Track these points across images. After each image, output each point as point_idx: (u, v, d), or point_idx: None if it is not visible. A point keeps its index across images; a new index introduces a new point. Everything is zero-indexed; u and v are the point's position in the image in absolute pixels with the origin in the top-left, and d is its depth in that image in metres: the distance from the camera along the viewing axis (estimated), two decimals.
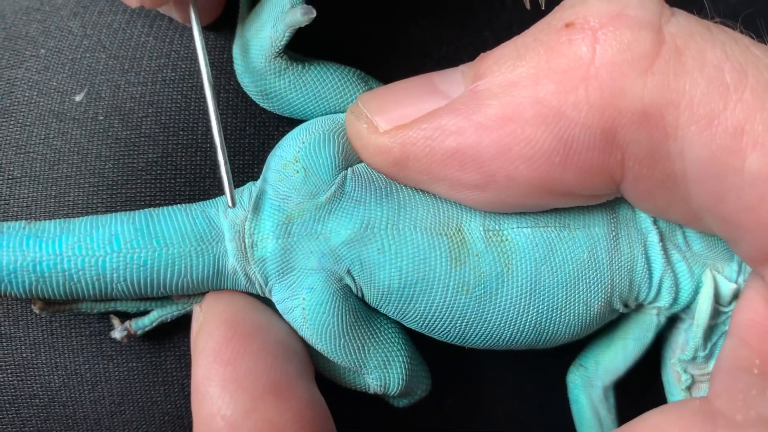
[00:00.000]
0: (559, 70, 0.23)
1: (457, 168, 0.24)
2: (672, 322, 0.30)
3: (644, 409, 0.26)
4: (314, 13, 0.26)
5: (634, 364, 0.30)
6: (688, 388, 0.29)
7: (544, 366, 0.32)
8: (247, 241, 0.26)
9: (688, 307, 0.29)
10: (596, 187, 0.24)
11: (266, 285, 0.26)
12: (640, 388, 0.32)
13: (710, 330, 0.28)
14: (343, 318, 0.26)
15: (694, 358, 0.29)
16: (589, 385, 0.30)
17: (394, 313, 0.27)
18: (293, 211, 0.26)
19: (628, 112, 0.22)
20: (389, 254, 0.26)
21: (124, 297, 0.26)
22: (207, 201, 0.27)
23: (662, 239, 0.27)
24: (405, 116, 0.25)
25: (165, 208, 0.27)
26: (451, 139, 0.24)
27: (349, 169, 0.27)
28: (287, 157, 0.27)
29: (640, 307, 0.29)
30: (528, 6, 0.26)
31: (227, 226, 0.26)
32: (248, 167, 0.29)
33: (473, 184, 0.24)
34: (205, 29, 0.30)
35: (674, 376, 0.30)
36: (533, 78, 0.23)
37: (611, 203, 0.27)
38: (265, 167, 0.27)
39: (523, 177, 0.24)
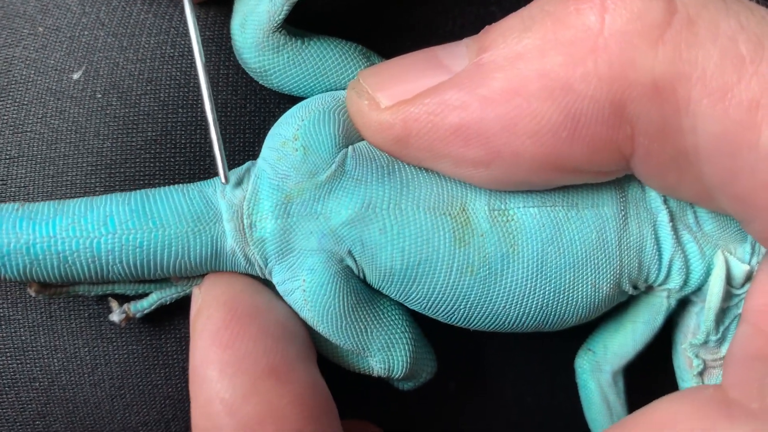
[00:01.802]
0: (567, 42, 0.22)
1: (461, 144, 0.23)
2: (683, 305, 0.29)
3: (654, 393, 0.25)
4: None
5: (643, 348, 0.29)
6: (700, 374, 0.29)
7: (553, 348, 0.31)
8: (245, 221, 0.25)
9: (699, 289, 0.28)
10: (605, 162, 0.24)
11: (266, 266, 0.26)
12: (649, 372, 0.31)
13: (722, 313, 0.28)
14: (345, 300, 0.26)
15: (705, 342, 0.28)
16: (598, 369, 0.30)
17: (396, 294, 0.26)
18: (292, 191, 0.25)
19: (638, 85, 0.21)
20: (391, 234, 0.25)
21: (120, 279, 0.26)
22: (205, 181, 0.26)
23: (672, 219, 0.27)
24: (407, 92, 0.24)
25: (162, 188, 0.26)
26: (454, 114, 0.23)
27: (350, 147, 0.26)
28: (286, 135, 0.26)
29: (649, 289, 0.28)
30: None
31: (225, 206, 0.25)
32: (249, 145, 0.29)
33: (478, 160, 0.24)
34: (204, 5, 0.29)
35: (685, 361, 0.29)
36: (540, 50, 0.22)
37: (620, 181, 0.26)
38: (264, 145, 0.27)
39: (529, 152, 0.23)
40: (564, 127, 0.22)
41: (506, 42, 0.23)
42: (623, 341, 0.29)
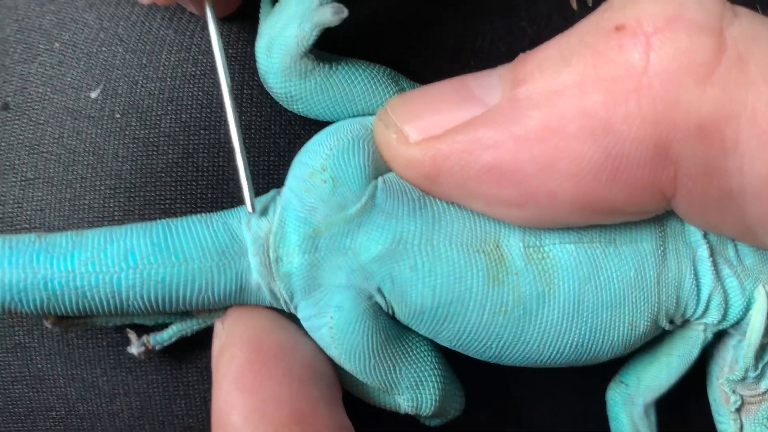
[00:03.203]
0: (608, 79, 0.21)
1: (494, 184, 0.22)
2: (719, 336, 0.28)
3: (687, 426, 0.24)
4: (346, 13, 0.24)
5: (677, 381, 0.28)
6: (738, 410, 0.28)
7: (584, 378, 0.30)
8: (271, 255, 0.24)
9: (738, 323, 0.27)
10: (645, 204, 0.23)
11: (292, 301, 0.25)
12: (682, 404, 0.30)
13: (762, 349, 0.27)
14: (373, 338, 0.25)
15: (743, 378, 0.27)
16: (630, 402, 0.29)
17: (426, 331, 0.25)
18: (321, 224, 0.24)
19: (684, 126, 0.20)
20: (422, 272, 0.24)
21: (140, 313, 0.25)
22: (228, 211, 0.25)
23: (712, 253, 0.26)
24: (437, 125, 0.23)
25: (184, 218, 0.25)
26: (487, 153, 0.22)
27: (380, 178, 0.25)
28: (314, 165, 0.25)
29: (686, 323, 0.27)
30: (575, 6, 0.23)
31: (250, 240, 0.25)
32: (274, 169, 0.28)
33: (512, 201, 0.23)
34: (228, 20, 0.28)
35: (722, 396, 0.28)
36: (579, 87, 0.21)
37: (659, 215, 0.25)
38: (289, 174, 0.25)
39: (566, 195, 0.22)
40: (604, 168, 0.21)
41: (543, 76, 0.22)
42: (657, 374, 0.28)
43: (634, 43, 0.21)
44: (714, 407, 0.29)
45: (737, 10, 0.21)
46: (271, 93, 0.26)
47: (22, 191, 0.27)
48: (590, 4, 0.24)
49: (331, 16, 0.24)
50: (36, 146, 0.27)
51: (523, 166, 0.22)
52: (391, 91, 0.26)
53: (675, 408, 0.29)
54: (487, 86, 0.23)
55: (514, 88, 0.22)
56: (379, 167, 0.25)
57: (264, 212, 0.25)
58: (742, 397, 0.28)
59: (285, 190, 0.25)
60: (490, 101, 0.23)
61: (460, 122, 0.23)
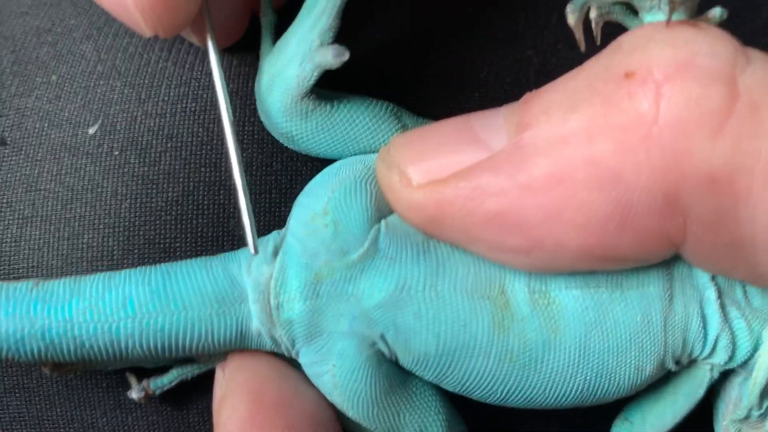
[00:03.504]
0: (617, 128, 0.20)
1: (499, 232, 0.22)
2: (726, 373, 0.28)
3: None
4: (347, 56, 0.23)
5: (682, 420, 0.28)
6: None
7: (590, 414, 0.30)
8: (272, 302, 0.24)
9: (745, 363, 0.27)
10: (653, 251, 0.22)
11: (293, 348, 0.25)
12: None
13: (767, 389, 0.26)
14: (377, 386, 0.24)
15: (747, 417, 0.27)
16: None
17: (430, 377, 0.25)
18: (322, 270, 0.24)
19: (694, 177, 0.20)
20: (427, 319, 0.24)
21: (140, 361, 0.25)
22: (228, 254, 0.25)
23: (720, 295, 0.25)
24: (440, 168, 0.23)
25: (183, 263, 0.25)
26: (492, 201, 0.22)
27: (383, 222, 0.24)
28: (316, 209, 0.24)
29: (692, 362, 0.27)
30: (582, 48, 0.23)
31: (251, 286, 0.24)
32: (275, 206, 0.27)
33: (517, 248, 0.22)
34: (229, 54, 0.27)
35: None
36: (587, 134, 0.21)
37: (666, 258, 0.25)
38: (291, 216, 0.25)
39: (573, 243, 0.22)
40: (612, 218, 0.21)
41: (549, 121, 0.21)
42: (662, 412, 0.28)
43: (644, 92, 0.20)
44: None
45: (750, 56, 0.21)
46: (271, 132, 0.26)
47: (19, 230, 0.27)
48: (598, 43, 0.23)
49: (332, 58, 0.23)
50: (33, 183, 0.27)
51: (529, 215, 0.21)
52: (393, 129, 0.26)
53: None
54: (492, 128, 0.23)
55: (520, 132, 0.22)
56: (382, 209, 0.25)
57: (265, 257, 0.24)
58: None
59: (286, 233, 0.25)
60: (494, 145, 0.22)
61: (464, 166, 0.22)
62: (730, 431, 0.28)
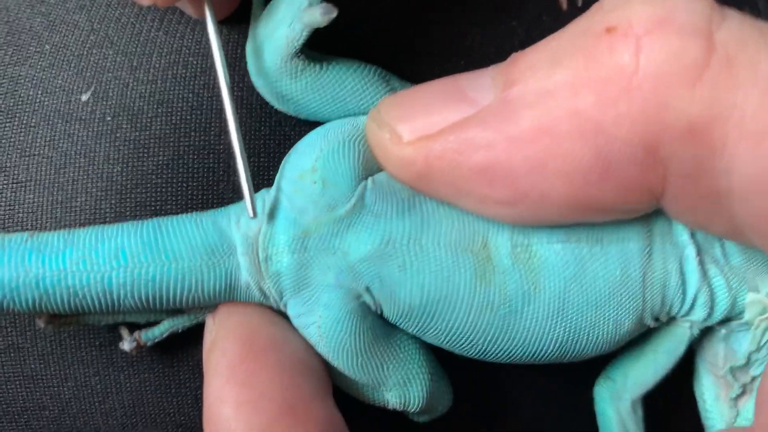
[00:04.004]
0: (599, 81, 0.21)
1: (486, 184, 0.23)
2: (705, 332, 0.28)
3: (673, 421, 0.25)
4: (335, 13, 0.24)
5: (664, 377, 0.29)
6: (736, 398, 0.28)
7: (572, 371, 0.31)
8: (260, 255, 0.25)
9: (724, 320, 0.27)
10: (634, 203, 0.23)
11: (281, 299, 0.25)
12: (668, 399, 0.30)
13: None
14: (361, 337, 0.25)
15: (746, 363, 0.28)
16: (617, 398, 0.29)
17: (413, 329, 0.26)
18: (310, 225, 0.25)
19: (673, 127, 0.21)
20: (411, 271, 0.24)
21: (132, 311, 0.25)
22: (218, 210, 0.26)
23: (699, 253, 0.26)
24: (430, 125, 0.23)
25: (174, 218, 0.25)
26: (480, 153, 0.22)
27: (369, 179, 0.25)
28: (304, 167, 0.25)
29: (672, 320, 0.27)
30: (564, 7, 0.24)
31: (240, 239, 0.25)
32: (264, 169, 0.28)
33: (503, 200, 0.23)
34: (219, 23, 0.28)
35: (719, 388, 0.28)
36: (571, 87, 0.21)
37: (647, 215, 0.25)
38: (279, 174, 0.26)
39: (557, 194, 0.22)
40: (595, 169, 0.22)
41: (535, 76, 0.22)
42: (644, 370, 0.29)
43: (625, 45, 0.21)
44: (701, 404, 0.29)
45: (725, 13, 0.21)
46: (261, 93, 0.27)
47: (13, 194, 0.27)
48: (579, 5, 0.24)
49: (320, 16, 0.24)
50: (27, 149, 0.27)
51: (516, 166, 0.22)
52: (382, 91, 0.26)
53: (661, 402, 0.30)
54: (480, 87, 0.23)
55: (507, 88, 0.22)
56: (370, 168, 0.25)
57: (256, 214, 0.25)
58: (744, 385, 0.28)
59: (275, 190, 0.25)
60: (482, 102, 0.23)
61: (452, 122, 0.23)
62: (728, 380, 0.28)
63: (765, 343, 0.27)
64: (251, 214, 0.25)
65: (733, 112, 0.20)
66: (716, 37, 0.21)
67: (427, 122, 0.23)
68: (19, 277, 0.24)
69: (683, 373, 0.30)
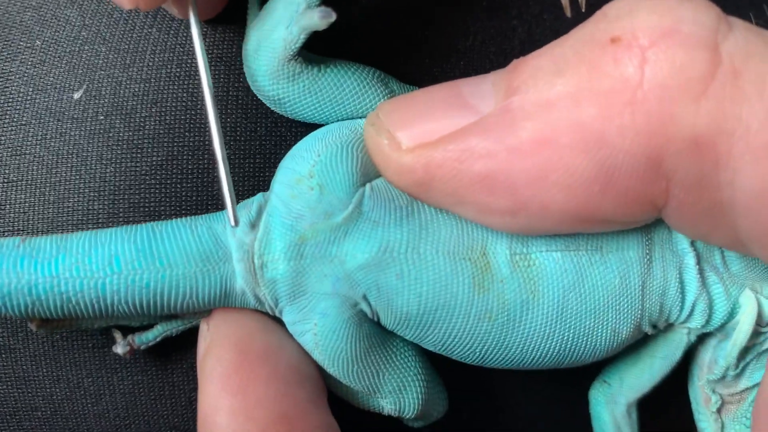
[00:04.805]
0: (603, 92, 0.21)
1: (487, 193, 0.22)
2: (702, 337, 0.28)
3: (667, 424, 0.25)
4: (333, 17, 0.23)
5: (660, 382, 0.29)
6: (718, 410, 0.28)
7: (567, 374, 0.31)
8: (256, 261, 0.24)
9: (721, 327, 0.27)
10: (636, 214, 0.23)
11: (276, 306, 0.25)
12: (663, 402, 0.30)
13: (745, 350, 0.27)
14: (357, 345, 0.25)
15: (723, 377, 0.28)
16: (612, 401, 0.29)
17: (411, 337, 0.25)
18: (307, 232, 0.24)
19: (677, 140, 0.20)
20: (408, 280, 0.24)
21: (125, 317, 0.25)
22: (213, 214, 0.25)
23: (699, 261, 0.26)
24: (430, 132, 0.23)
25: (168, 222, 0.25)
26: (480, 163, 0.22)
27: (367, 185, 0.25)
28: (301, 172, 0.25)
29: (669, 326, 0.27)
30: (568, 13, 0.23)
31: (235, 246, 0.24)
32: (259, 170, 0.28)
33: (503, 210, 0.23)
34: (213, 21, 0.28)
35: (702, 396, 0.29)
36: (573, 98, 0.21)
37: (647, 223, 0.25)
38: (275, 179, 0.25)
39: (558, 205, 0.22)
40: (597, 180, 0.21)
41: (537, 86, 0.22)
42: (639, 375, 0.29)
43: (630, 57, 0.21)
44: (694, 406, 0.29)
45: (732, 23, 0.21)
46: (258, 96, 0.26)
47: (4, 193, 0.27)
48: (583, 9, 0.24)
49: (318, 20, 0.23)
50: (18, 148, 0.27)
51: (516, 177, 0.22)
52: (380, 94, 0.26)
53: (657, 406, 0.30)
54: (480, 94, 0.23)
55: (508, 97, 0.22)
56: (368, 173, 0.25)
57: (250, 218, 0.25)
58: (722, 396, 0.28)
59: (271, 196, 0.25)
60: (483, 109, 0.23)
61: (453, 130, 0.23)
62: (706, 391, 0.28)
63: (743, 363, 0.27)
64: (233, 223, 0.24)
65: (738, 125, 0.20)
66: (722, 49, 0.20)
67: (427, 129, 0.23)
68: (11, 283, 0.23)
69: (681, 376, 0.30)
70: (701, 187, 0.21)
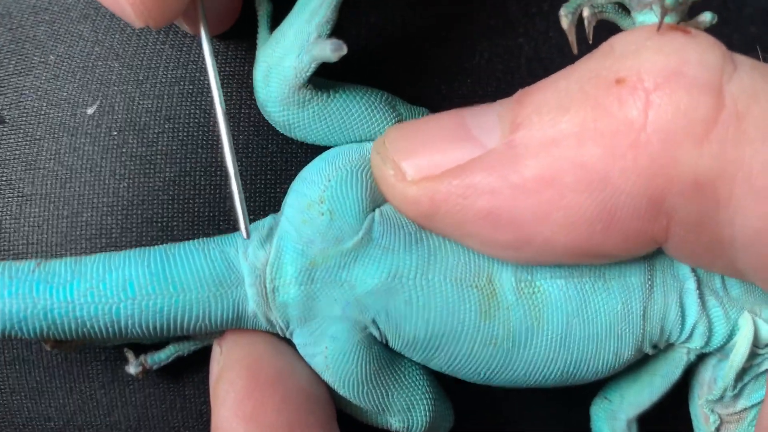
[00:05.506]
0: (607, 133, 0.21)
1: (491, 228, 0.23)
2: (702, 356, 0.29)
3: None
4: (345, 50, 0.23)
5: (660, 399, 0.29)
6: (717, 429, 0.29)
7: (569, 390, 0.31)
8: (268, 286, 0.25)
9: (720, 347, 0.28)
10: (637, 249, 0.23)
11: (287, 329, 0.25)
12: (664, 418, 0.31)
13: (743, 371, 0.28)
14: (367, 367, 0.25)
15: (721, 398, 0.28)
16: (613, 417, 0.30)
17: (418, 359, 0.26)
18: (317, 257, 0.25)
19: (679, 182, 0.21)
20: (417, 306, 0.25)
21: (138, 340, 0.26)
22: (225, 237, 0.26)
23: (699, 285, 0.26)
24: (434, 165, 0.23)
25: (181, 245, 0.25)
26: (484, 199, 0.22)
27: (377, 211, 0.25)
28: (312, 197, 0.25)
29: (670, 346, 0.28)
30: (575, 50, 0.23)
31: (247, 270, 0.25)
32: (270, 187, 0.28)
33: (507, 244, 0.23)
34: (225, 38, 0.28)
35: (702, 415, 0.29)
36: (577, 138, 0.21)
37: None
38: (287, 202, 0.26)
39: (561, 242, 0.22)
40: (599, 219, 0.22)
41: (541, 122, 0.22)
42: (640, 392, 0.29)
43: (634, 99, 0.21)
44: (695, 423, 0.30)
45: (738, 63, 0.21)
46: (268, 120, 0.26)
47: (19, 207, 0.27)
48: (590, 41, 0.24)
49: (330, 52, 0.24)
50: (33, 162, 0.27)
51: (519, 214, 0.22)
52: (388, 118, 0.26)
53: (657, 422, 0.30)
54: (486, 127, 0.23)
55: (512, 131, 0.22)
56: (376, 198, 0.25)
57: (261, 243, 0.25)
58: (720, 416, 0.29)
59: (282, 218, 0.25)
60: (487, 143, 0.23)
61: (457, 164, 0.23)
62: (704, 410, 0.29)
63: (742, 384, 0.28)
64: (245, 235, 0.25)
65: (741, 168, 0.20)
66: (726, 91, 0.20)
67: (431, 161, 0.23)
68: (27, 308, 0.24)
69: (682, 392, 0.30)
70: (702, 226, 0.21)
